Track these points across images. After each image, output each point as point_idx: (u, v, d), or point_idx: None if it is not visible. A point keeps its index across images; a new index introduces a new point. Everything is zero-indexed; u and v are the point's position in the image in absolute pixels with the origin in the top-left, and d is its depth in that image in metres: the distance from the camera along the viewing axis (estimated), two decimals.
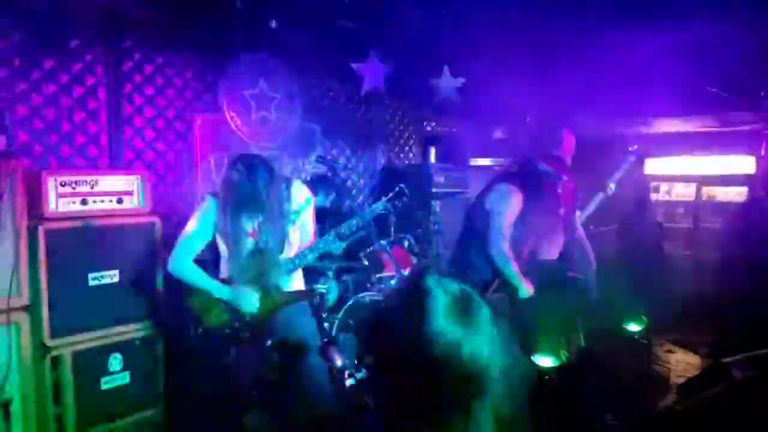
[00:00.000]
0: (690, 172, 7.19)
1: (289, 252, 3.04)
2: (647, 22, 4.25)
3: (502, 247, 3.52)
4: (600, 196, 4.61)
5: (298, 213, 3.06)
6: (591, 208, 4.60)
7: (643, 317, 5.11)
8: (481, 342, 1.09)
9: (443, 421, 1.08)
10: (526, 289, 3.56)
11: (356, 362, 1.79)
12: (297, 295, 3.11)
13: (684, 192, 7.28)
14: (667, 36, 4.47)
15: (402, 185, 3.21)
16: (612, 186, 4.61)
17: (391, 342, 1.13)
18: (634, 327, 5.11)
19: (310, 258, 3.05)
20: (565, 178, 4.19)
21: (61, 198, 3.11)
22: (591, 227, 4.76)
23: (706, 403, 2.12)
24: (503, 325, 1.18)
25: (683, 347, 5.03)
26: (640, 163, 6.96)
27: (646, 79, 5.10)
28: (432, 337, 1.07)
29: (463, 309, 1.12)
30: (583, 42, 4.63)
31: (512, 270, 3.52)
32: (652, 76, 5.05)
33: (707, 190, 7.06)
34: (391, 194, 3.19)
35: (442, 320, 1.09)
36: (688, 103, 5.66)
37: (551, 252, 4.16)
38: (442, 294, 1.12)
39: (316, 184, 4.40)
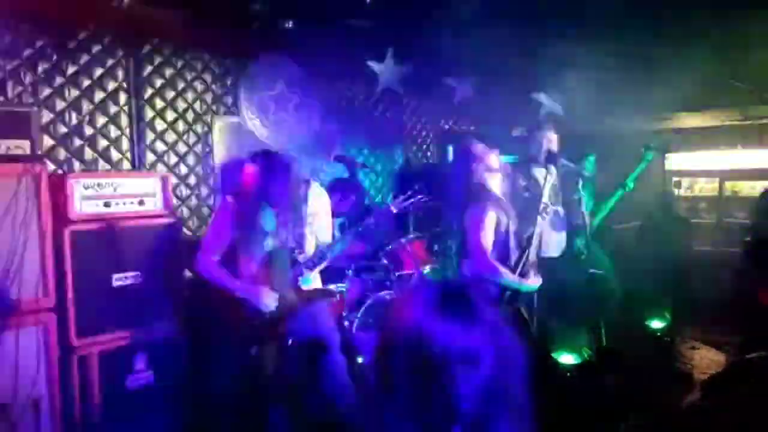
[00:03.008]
0: (713, 167, 7.07)
1: (308, 251, 3.07)
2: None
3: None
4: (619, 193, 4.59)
5: (315, 213, 3.08)
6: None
7: (667, 314, 5.06)
8: None
9: None
10: (527, 284, 3.16)
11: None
12: (316, 294, 3.13)
13: (707, 187, 7.16)
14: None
15: (418, 185, 3.22)
16: (630, 184, 4.59)
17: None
18: (657, 324, 5.07)
19: (328, 257, 3.08)
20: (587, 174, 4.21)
21: (85, 200, 3.17)
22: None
23: (732, 399, 2.09)
24: None
25: (707, 344, 4.96)
26: (661, 159, 6.87)
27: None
28: None
29: None
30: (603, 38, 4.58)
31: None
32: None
33: (731, 185, 6.94)
34: (409, 193, 3.20)
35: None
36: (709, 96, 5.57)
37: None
38: None
39: (334, 183, 4.43)
